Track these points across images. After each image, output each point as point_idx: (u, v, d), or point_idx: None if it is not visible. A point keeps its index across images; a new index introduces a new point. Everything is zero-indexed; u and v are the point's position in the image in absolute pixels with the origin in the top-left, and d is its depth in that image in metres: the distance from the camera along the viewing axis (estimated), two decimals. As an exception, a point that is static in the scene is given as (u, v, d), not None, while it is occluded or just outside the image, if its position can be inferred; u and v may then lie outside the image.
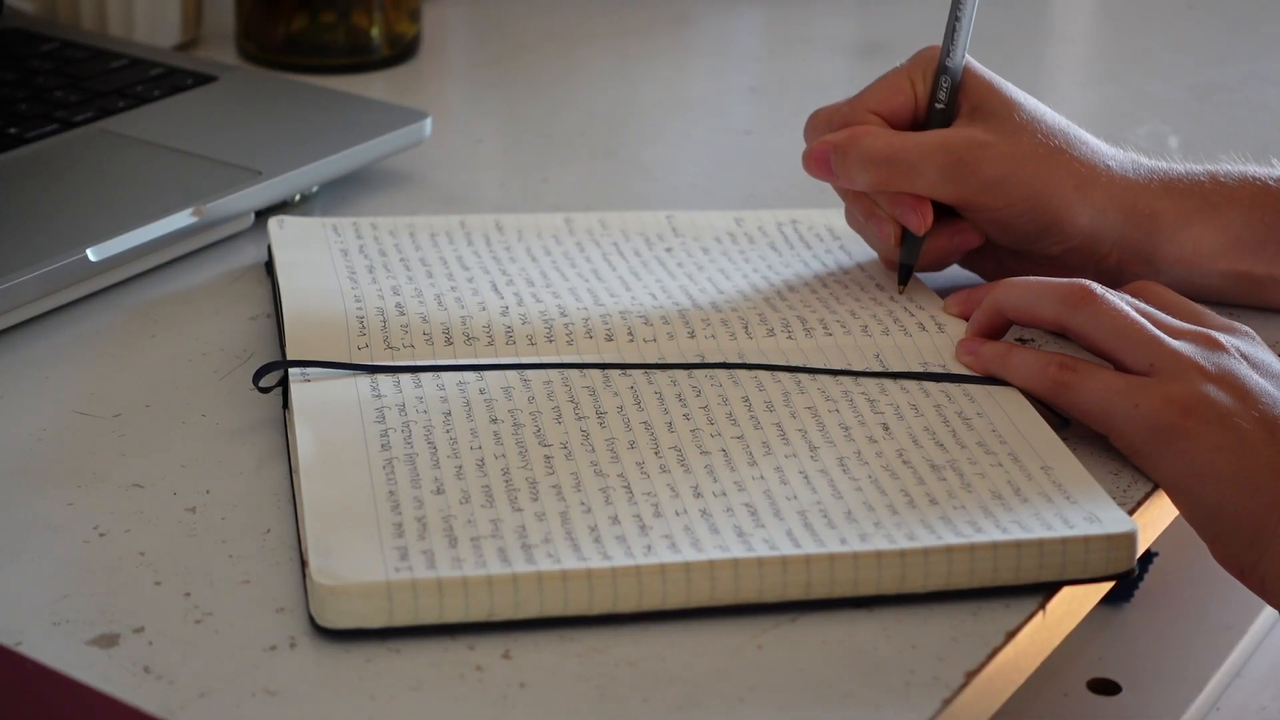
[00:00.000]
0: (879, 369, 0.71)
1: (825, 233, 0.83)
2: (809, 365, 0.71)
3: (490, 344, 0.72)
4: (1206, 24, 1.22)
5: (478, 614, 0.57)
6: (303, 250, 0.79)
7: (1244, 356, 0.67)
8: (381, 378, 0.69)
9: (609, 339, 0.72)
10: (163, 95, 0.93)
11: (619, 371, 0.70)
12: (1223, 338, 0.67)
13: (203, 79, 0.95)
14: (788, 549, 0.59)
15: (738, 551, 0.59)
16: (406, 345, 0.71)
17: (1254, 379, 0.65)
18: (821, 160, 0.76)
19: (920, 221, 0.75)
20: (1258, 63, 1.15)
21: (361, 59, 1.05)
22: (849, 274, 0.79)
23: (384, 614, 0.57)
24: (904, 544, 0.60)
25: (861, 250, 0.81)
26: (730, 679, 0.57)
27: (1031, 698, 0.81)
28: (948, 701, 0.56)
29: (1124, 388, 0.66)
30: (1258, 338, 0.69)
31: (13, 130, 0.88)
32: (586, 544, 0.59)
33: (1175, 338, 0.67)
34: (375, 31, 1.06)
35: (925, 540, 0.60)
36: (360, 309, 0.73)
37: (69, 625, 0.58)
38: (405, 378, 0.69)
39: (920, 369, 0.71)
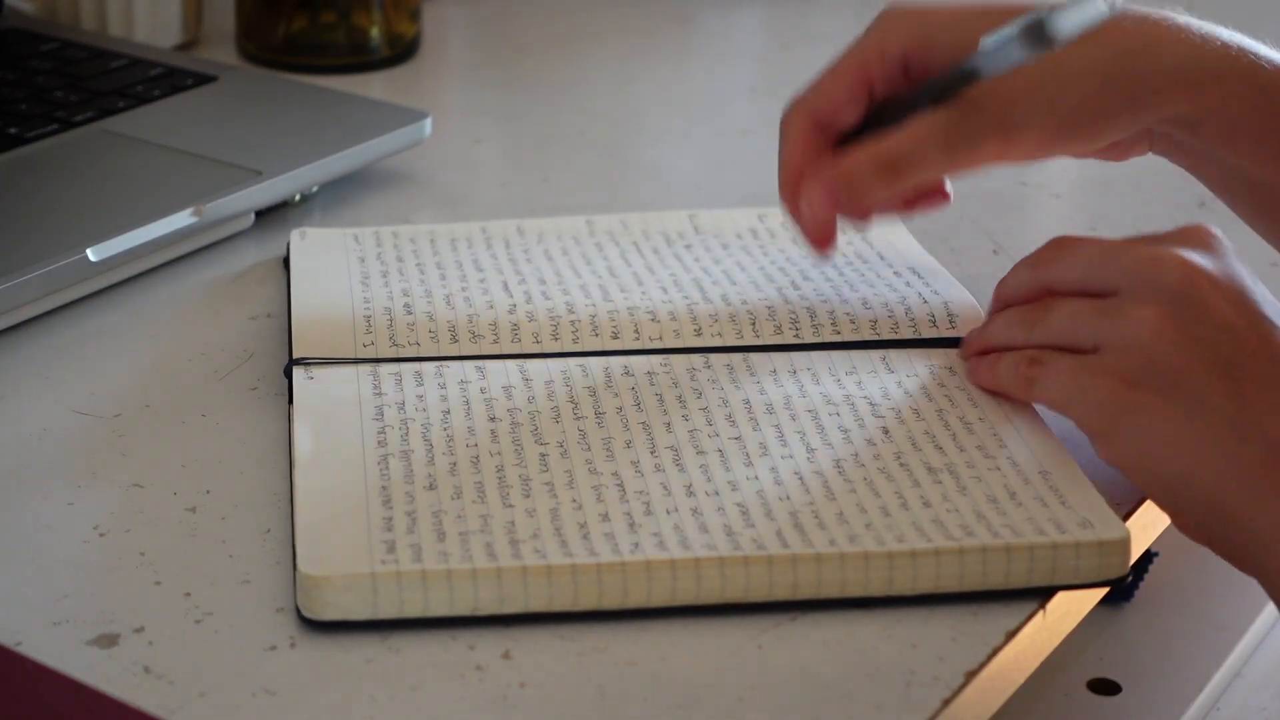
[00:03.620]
0: (884, 370, 0.71)
1: (848, 225, 0.82)
2: (812, 365, 0.71)
3: (495, 341, 0.72)
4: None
5: (463, 607, 0.58)
6: (320, 258, 0.78)
7: (1204, 283, 0.63)
8: (384, 377, 0.69)
9: (614, 336, 0.72)
10: (163, 95, 0.93)
11: (622, 371, 0.70)
12: (1173, 263, 0.63)
13: (203, 79, 0.95)
14: (775, 549, 0.59)
15: (725, 550, 0.59)
16: (412, 343, 0.71)
17: (1212, 314, 0.62)
18: (831, 202, 0.72)
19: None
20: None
21: (361, 59, 1.05)
22: (866, 261, 0.79)
23: (368, 606, 0.57)
24: (893, 546, 0.60)
25: (882, 238, 0.81)
26: (730, 679, 0.57)
27: (1031, 698, 0.81)
28: (948, 701, 0.56)
29: (1073, 370, 0.64)
30: (1219, 239, 0.66)
31: (13, 130, 0.88)
32: (574, 540, 0.59)
33: (1122, 289, 0.64)
34: (375, 31, 1.06)
35: (915, 543, 0.60)
36: (368, 309, 0.74)
37: (69, 625, 0.58)
38: (408, 377, 0.69)
39: (927, 370, 0.71)
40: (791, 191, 0.73)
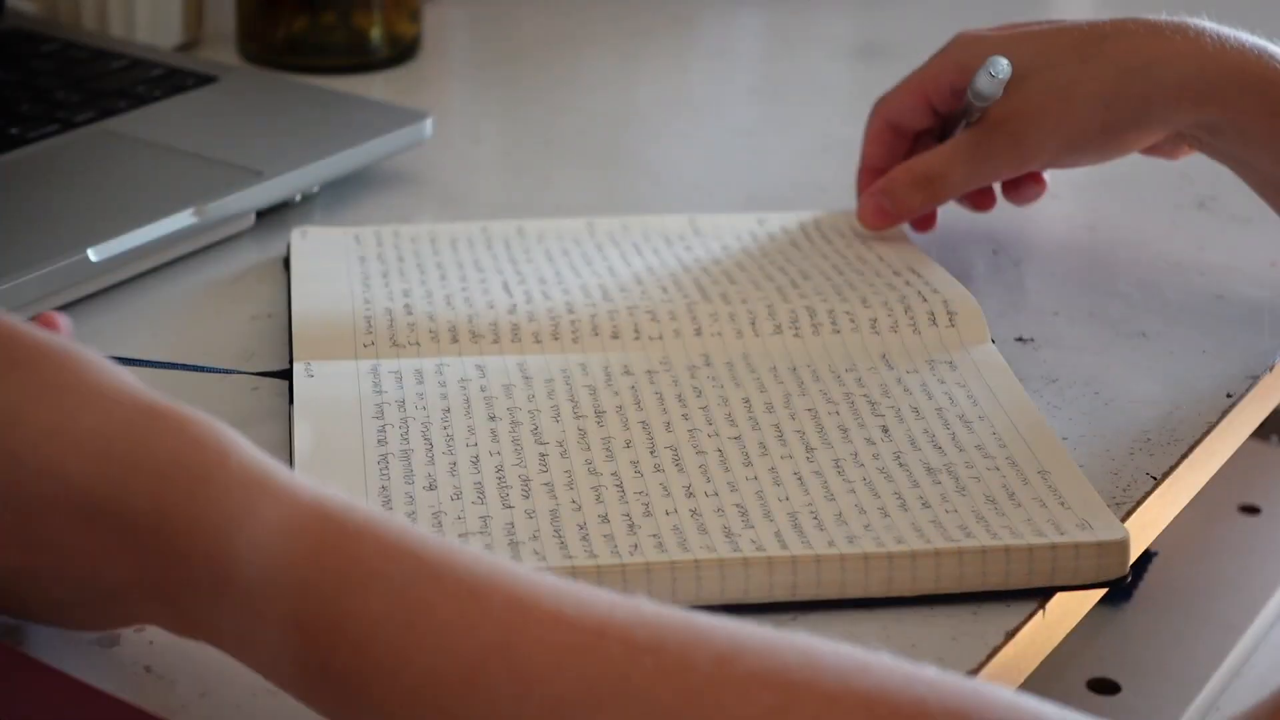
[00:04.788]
0: (884, 368, 0.71)
1: (848, 230, 0.82)
2: (811, 362, 0.71)
3: (496, 341, 0.72)
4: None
5: None
6: (321, 260, 0.78)
7: None
8: (384, 375, 0.69)
9: (615, 337, 0.72)
10: (164, 96, 0.93)
11: (621, 370, 0.70)
12: None
13: (204, 79, 0.95)
14: (774, 550, 0.59)
15: (724, 552, 0.59)
16: (412, 343, 0.71)
17: None
18: (879, 213, 0.81)
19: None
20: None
21: (362, 59, 1.05)
22: (866, 262, 0.79)
23: None
24: (892, 547, 0.60)
25: (881, 238, 0.81)
26: (730, 678, 0.57)
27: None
28: (947, 701, 0.56)
29: None
30: None
31: (14, 131, 0.88)
32: (573, 542, 0.59)
33: None
34: (376, 32, 1.06)
35: (914, 544, 0.60)
36: (369, 310, 0.74)
37: (70, 625, 0.58)
38: (408, 375, 0.69)
39: (926, 367, 0.71)
40: (864, 182, 0.83)
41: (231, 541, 0.50)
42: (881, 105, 0.83)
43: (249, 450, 0.52)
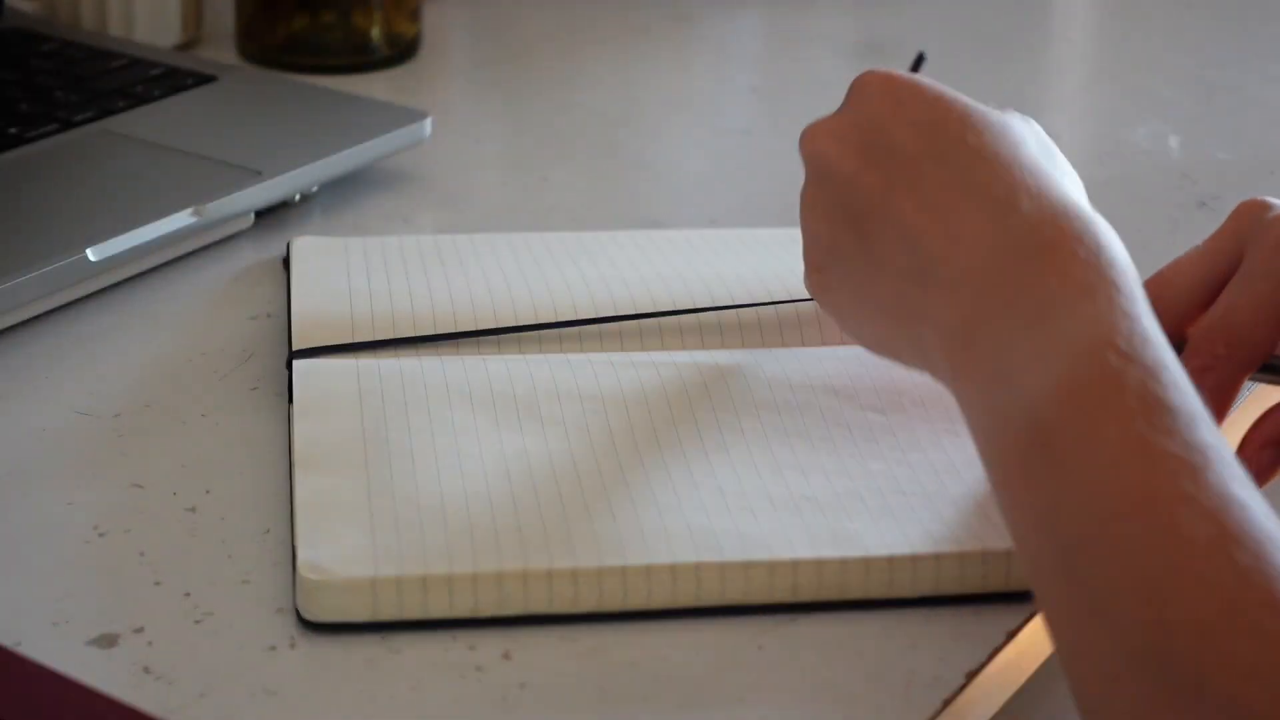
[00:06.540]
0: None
1: None
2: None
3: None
4: (1206, 24, 1.22)
5: (462, 609, 0.58)
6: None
7: (822, 139, 0.65)
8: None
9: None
10: (163, 95, 0.93)
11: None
12: (803, 134, 0.67)
13: (203, 79, 0.95)
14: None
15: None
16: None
17: (834, 170, 0.64)
18: None
19: None
20: (1258, 63, 1.15)
21: (361, 59, 1.05)
22: None
23: (368, 608, 0.57)
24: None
25: None
26: (730, 679, 0.57)
27: (1032, 697, 0.81)
28: (948, 701, 0.56)
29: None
30: (877, 79, 0.63)
31: (13, 130, 0.88)
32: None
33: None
34: (375, 31, 1.06)
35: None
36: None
37: (69, 625, 0.58)
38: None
39: None
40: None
41: (1064, 304, 0.55)
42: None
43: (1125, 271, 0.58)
